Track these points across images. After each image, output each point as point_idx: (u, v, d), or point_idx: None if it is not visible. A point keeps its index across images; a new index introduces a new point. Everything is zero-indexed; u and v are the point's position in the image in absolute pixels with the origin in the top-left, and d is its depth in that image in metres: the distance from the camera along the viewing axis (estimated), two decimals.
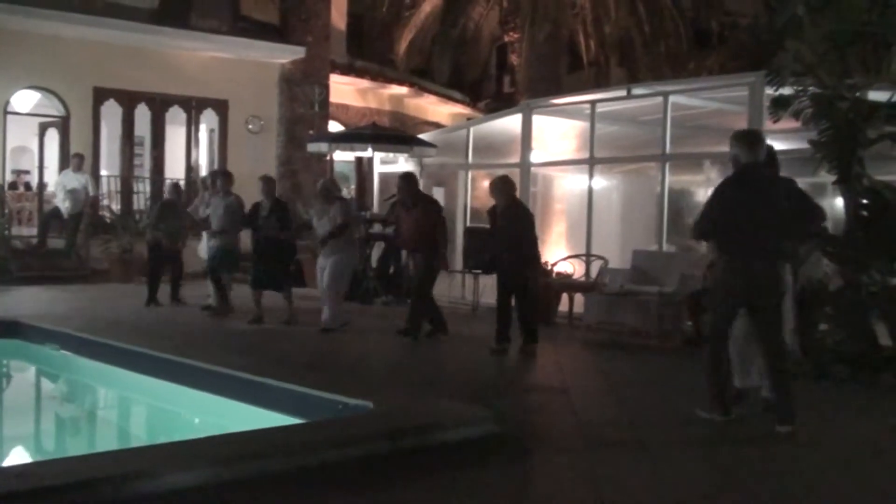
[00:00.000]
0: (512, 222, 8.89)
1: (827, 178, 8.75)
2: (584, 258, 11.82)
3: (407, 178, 9.96)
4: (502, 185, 9.07)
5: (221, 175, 11.73)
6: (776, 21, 8.25)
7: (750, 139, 6.21)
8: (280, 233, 10.33)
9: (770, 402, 6.13)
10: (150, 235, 12.24)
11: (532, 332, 8.88)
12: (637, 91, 12.32)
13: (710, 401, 6.06)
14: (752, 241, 5.92)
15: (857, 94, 7.92)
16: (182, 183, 16.71)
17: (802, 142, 8.64)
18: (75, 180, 15.16)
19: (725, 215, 5.99)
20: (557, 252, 12.55)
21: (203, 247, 11.81)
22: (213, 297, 11.41)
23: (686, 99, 11.63)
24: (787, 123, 8.54)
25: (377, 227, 13.55)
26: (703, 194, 14.58)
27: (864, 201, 7.95)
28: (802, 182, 13.11)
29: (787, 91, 8.21)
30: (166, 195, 12.68)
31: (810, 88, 8.01)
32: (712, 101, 11.86)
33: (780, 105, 8.23)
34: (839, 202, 8.60)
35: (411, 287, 9.79)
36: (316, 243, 10.36)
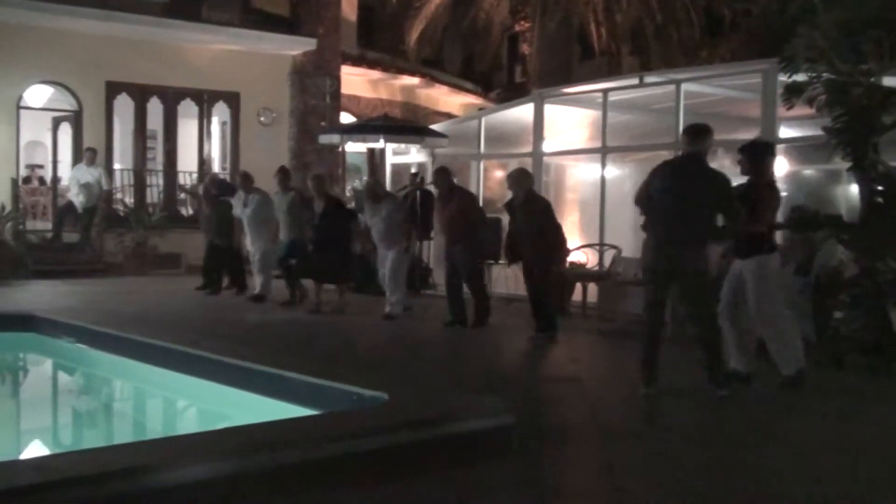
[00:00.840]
0: (531, 215, 8.87)
1: (842, 164, 8.71)
2: (597, 248, 11.80)
3: (442, 171, 10.10)
4: (520, 177, 9.05)
5: (279, 173, 11.99)
6: (789, 8, 8.19)
7: (689, 131, 6.66)
8: (365, 242, 10.96)
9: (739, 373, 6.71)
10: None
11: (550, 320, 8.89)
12: (649, 79, 12.27)
13: (640, 371, 6.52)
14: (667, 225, 6.38)
15: (872, 79, 7.86)
16: (195, 176, 16.88)
17: (816, 129, 8.59)
18: (89, 174, 15.22)
19: (651, 195, 6.49)
20: (571, 242, 12.51)
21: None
22: (260, 287, 11.84)
23: (699, 87, 11.57)
24: (801, 110, 8.50)
25: None
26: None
27: (880, 188, 7.89)
28: (817, 169, 13.16)
29: (800, 78, 8.15)
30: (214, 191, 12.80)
31: (824, 75, 7.95)
32: (725, 89, 11.80)
33: (793, 92, 8.17)
34: (854, 189, 8.55)
35: (466, 283, 9.87)
36: (365, 242, 10.93)
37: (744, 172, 6.88)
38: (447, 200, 9.86)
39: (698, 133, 6.55)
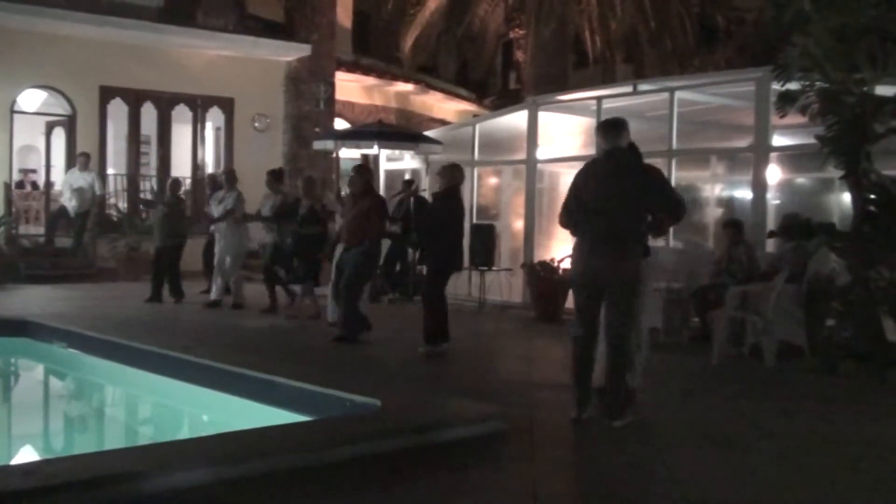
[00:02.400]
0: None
1: (834, 173, 8.73)
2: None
3: (360, 170, 9.74)
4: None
5: (270, 174, 11.85)
6: (783, 16, 8.22)
7: (603, 127, 6.11)
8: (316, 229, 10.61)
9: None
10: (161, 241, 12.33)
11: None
12: (643, 87, 12.29)
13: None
14: (594, 228, 5.79)
15: (865, 88, 7.89)
16: (188, 181, 16.85)
17: (809, 137, 8.62)
18: (82, 179, 15.19)
19: (576, 202, 5.91)
20: (564, 249, 12.52)
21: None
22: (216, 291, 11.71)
23: (692, 94, 11.60)
24: (794, 119, 8.52)
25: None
26: (710, 190, 14.60)
27: (872, 196, 7.92)
28: (809, 177, 13.20)
29: (793, 86, 8.18)
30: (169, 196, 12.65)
31: (817, 83, 7.98)
32: (719, 97, 11.82)
33: (786, 100, 8.20)
34: (847, 197, 8.57)
35: (343, 290, 9.33)
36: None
37: None
38: (358, 201, 9.36)
39: (609, 128, 6.02)
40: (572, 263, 6.04)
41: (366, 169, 10.06)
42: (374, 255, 9.44)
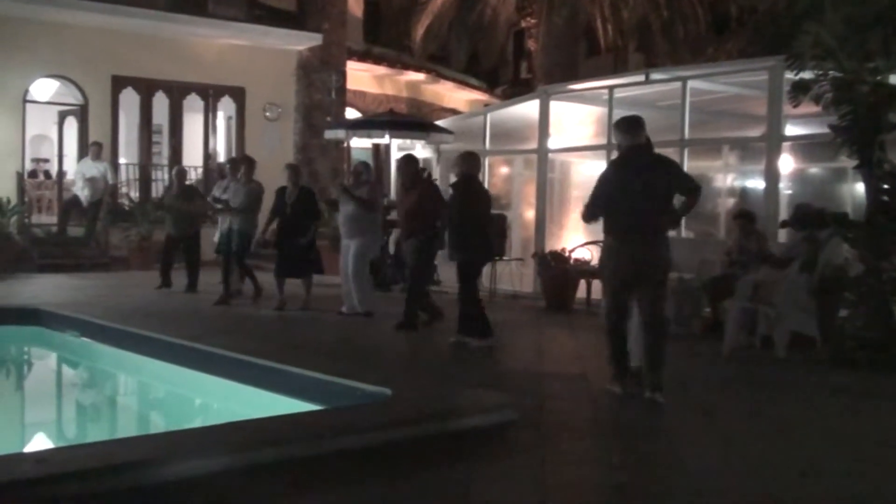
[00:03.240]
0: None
1: (847, 162, 8.69)
2: (601, 244, 11.77)
3: (406, 160, 9.72)
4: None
5: (245, 161, 11.69)
6: (796, 5, 8.17)
7: (624, 125, 6.43)
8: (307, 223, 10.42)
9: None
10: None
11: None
12: (655, 76, 12.24)
13: (611, 375, 6.39)
14: (631, 221, 6.21)
15: (878, 77, 7.84)
16: (200, 170, 16.89)
17: (822, 126, 8.57)
18: (94, 168, 15.23)
19: (608, 197, 6.30)
20: (575, 238, 12.52)
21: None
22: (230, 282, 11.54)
23: (705, 84, 11.55)
24: (807, 108, 8.47)
25: (394, 214, 13.53)
26: (722, 180, 14.55)
27: (885, 186, 7.87)
28: (822, 167, 13.12)
29: (807, 75, 8.13)
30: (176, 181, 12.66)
31: (830, 72, 7.92)
32: (731, 86, 11.77)
33: (799, 89, 8.15)
34: (860, 187, 8.53)
35: (409, 280, 9.51)
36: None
37: None
38: (408, 191, 9.40)
39: (630, 125, 6.39)
40: (609, 253, 6.43)
41: (412, 159, 9.86)
42: (428, 246, 9.17)
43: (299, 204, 10.40)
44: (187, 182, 13.10)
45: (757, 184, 12.03)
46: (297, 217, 10.36)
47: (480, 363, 7.79)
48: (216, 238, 11.68)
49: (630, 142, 6.34)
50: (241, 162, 11.74)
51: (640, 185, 6.18)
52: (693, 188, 6.33)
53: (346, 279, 10.13)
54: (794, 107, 8.43)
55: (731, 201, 13.99)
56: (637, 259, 6.18)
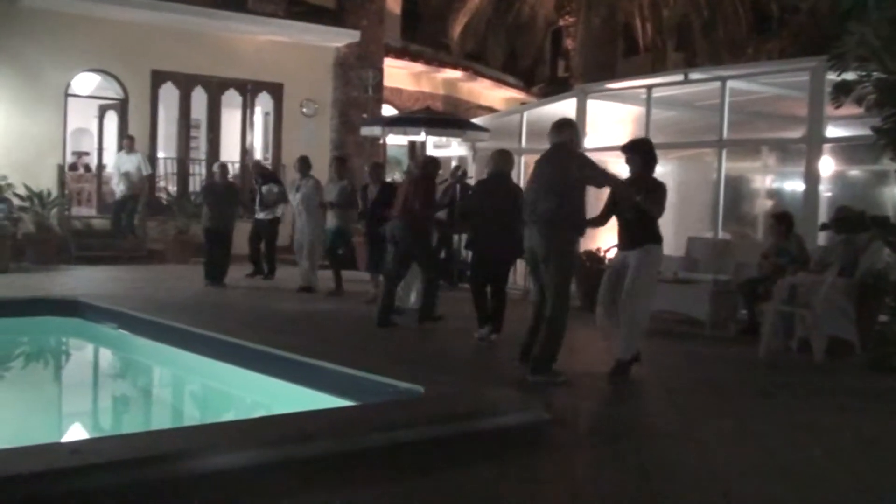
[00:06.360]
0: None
1: (889, 165, 8.55)
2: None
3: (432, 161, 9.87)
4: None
5: (335, 161, 12.49)
6: (840, 4, 8.04)
7: (554, 125, 6.99)
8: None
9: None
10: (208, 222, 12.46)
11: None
12: (694, 76, 12.13)
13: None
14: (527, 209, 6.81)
15: None
16: (237, 165, 17.02)
17: (865, 128, 8.44)
18: (129, 162, 15.42)
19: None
20: (610, 239, 12.43)
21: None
22: (305, 277, 11.90)
23: (744, 84, 11.42)
24: (850, 109, 8.34)
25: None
26: (761, 181, 14.40)
27: None
28: (864, 169, 12.93)
29: (849, 76, 8.00)
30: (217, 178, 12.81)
31: (874, 74, 7.79)
32: (772, 87, 11.64)
33: (842, 91, 8.02)
34: None
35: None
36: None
37: (638, 168, 7.16)
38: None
39: (556, 126, 6.93)
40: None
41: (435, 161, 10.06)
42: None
43: (382, 198, 10.52)
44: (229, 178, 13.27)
45: (796, 186, 11.89)
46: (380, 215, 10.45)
47: (513, 362, 7.76)
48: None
49: (552, 140, 6.89)
50: (332, 162, 12.17)
51: (536, 179, 6.79)
52: (590, 176, 6.78)
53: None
54: (836, 108, 8.30)
55: (769, 203, 13.84)
56: (528, 247, 6.86)
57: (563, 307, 6.66)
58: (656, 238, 7.00)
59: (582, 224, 6.85)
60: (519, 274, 12.42)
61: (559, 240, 6.66)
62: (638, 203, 6.81)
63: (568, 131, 6.93)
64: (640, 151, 7.18)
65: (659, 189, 7.01)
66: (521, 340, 7.18)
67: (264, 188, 12.84)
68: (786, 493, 4.36)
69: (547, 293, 6.72)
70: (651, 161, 7.16)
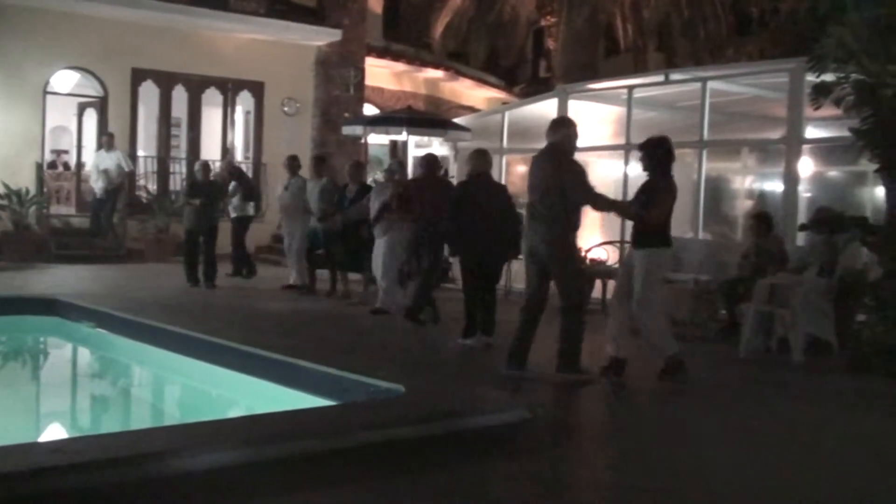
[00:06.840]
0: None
1: (868, 166, 8.62)
2: (618, 245, 11.73)
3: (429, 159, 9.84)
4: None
5: (314, 160, 12.39)
6: (819, 6, 8.09)
7: (550, 124, 7.41)
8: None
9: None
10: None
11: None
12: (675, 77, 12.19)
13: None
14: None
15: None
16: (218, 164, 16.92)
17: (843, 129, 8.50)
18: (108, 160, 15.32)
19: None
20: (591, 238, 12.48)
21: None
22: (295, 276, 11.92)
23: (725, 85, 11.48)
24: (828, 111, 8.41)
25: None
26: (741, 181, 14.47)
27: None
28: (843, 170, 13.02)
29: (828, 78, 8.06)
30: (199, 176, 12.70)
31: (853, 75, 7.85)
32: (752, 88, 11.70)
33: (821, 92, 8.08)
34: (880, 191, 8.46)
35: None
36: None
37: (644, 169, 7.13)
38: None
39: (552, 125, 7.20)
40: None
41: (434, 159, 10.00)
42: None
43: (360, 199, 10.53)
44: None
45: (776, 186, 11.96)
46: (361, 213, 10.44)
47: (494, 362, 7.76)
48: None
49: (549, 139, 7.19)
50: (312, 160, 12.30)
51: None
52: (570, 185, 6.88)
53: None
54: (815, 109, 8.36)
55: (748, 203, 13.92)
56: (529, 246, 6.95)
57: (576, 302, 6.82)
58: (661, 241, 6.92)
59: (578, 222, 6.95)
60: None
61: (558, 237, 6.74)
62: (632, 214, 7.02)
63: (562, 131, 7.10)
64: (642, 149, 7.21)
65: (657, 193, 6.90)
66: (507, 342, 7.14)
67: (230, 186, 12.88)
68: (769, 489, 4.39)
69: (558, 290, 6.83)
70: (656, 162, 7.08)
